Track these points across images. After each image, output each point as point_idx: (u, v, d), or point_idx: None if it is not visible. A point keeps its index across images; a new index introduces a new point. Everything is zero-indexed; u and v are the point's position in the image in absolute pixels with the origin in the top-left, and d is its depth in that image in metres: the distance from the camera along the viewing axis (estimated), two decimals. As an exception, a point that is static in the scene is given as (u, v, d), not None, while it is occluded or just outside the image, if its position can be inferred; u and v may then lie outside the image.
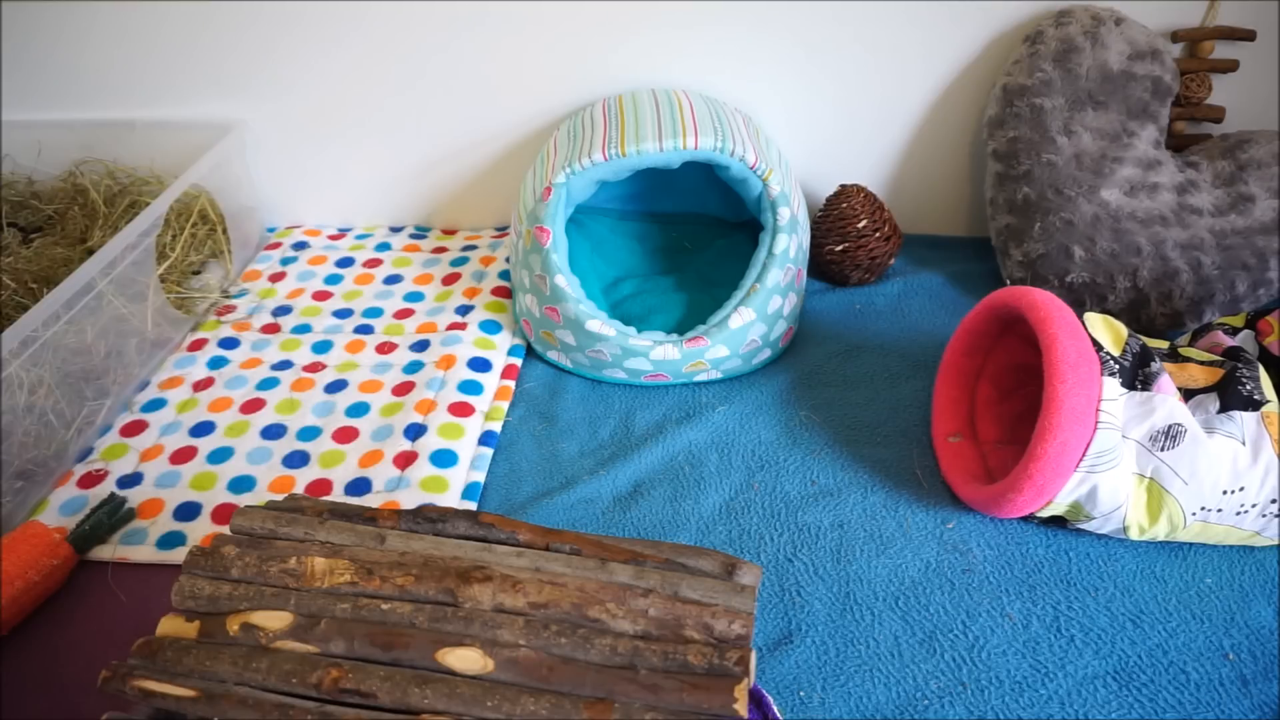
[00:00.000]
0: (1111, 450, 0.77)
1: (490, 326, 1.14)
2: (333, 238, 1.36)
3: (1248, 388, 0.79)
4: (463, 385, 1.04)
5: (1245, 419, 0.78)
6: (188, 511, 0.91)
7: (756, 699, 0.66)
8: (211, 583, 0.65)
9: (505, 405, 1.04)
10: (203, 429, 1.01)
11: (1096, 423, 0.77)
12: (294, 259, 1.31)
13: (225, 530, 0.88)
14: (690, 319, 1.09)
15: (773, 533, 0.88)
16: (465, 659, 0.59)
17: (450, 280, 1.24)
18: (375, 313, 1.19)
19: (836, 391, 1.04)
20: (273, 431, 1.00)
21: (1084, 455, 0.76)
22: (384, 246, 1.33)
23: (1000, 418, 0.95)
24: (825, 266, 1.20)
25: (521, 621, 0.61)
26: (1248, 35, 1.11)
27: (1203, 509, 0.78)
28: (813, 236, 1.18)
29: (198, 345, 1.13)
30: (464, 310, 1.17)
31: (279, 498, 0.83)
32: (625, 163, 1.00)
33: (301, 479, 0.94)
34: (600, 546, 0.67)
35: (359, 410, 1.02)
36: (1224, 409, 0.79)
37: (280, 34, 1.21)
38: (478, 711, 0.57)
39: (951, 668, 0.75)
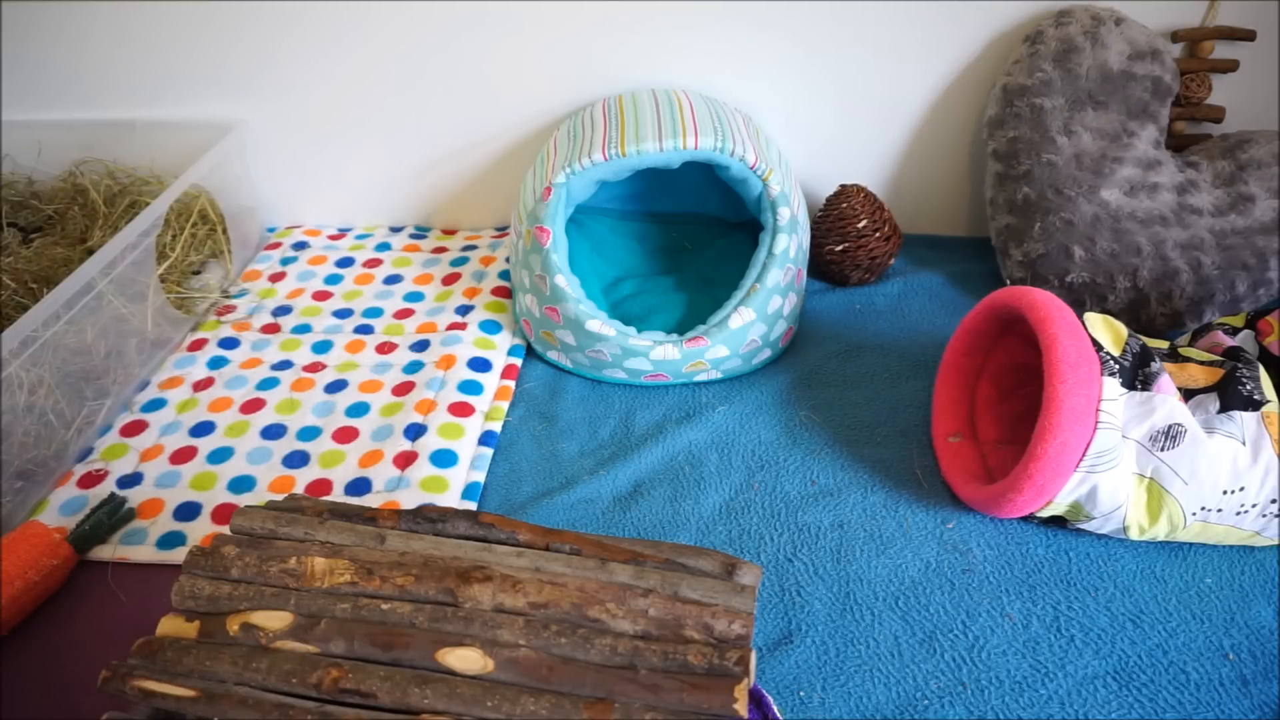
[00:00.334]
0: (1111, 450, 0.77)
1: (490, 326, 1.14)
2: (333, 238, 1.36)
3: (1248, 388, 0.79)
4: (463, 385, 1.04)
5: (1245, 419, 0.78)
6: (188, 511, 0.91)
7: (756, 699, 0.66)
8: (211, 583, 0.65)
9: (505, 405, 1.04)
10: (203, 429, 1.01)
11: (1096, 423, 0.77)
12: (294, 259, 1.31)
13: (225, 530, 0.88)
14: (690, 319, 1.09)
15: (773, 533, 0.88)
16: (465, 659, 0.59)
17: (450, 280, 1.24)
18: (375, 313, 1.19)
19: (836, 391, 1.04)
20: (273, 431, 1.00)
21: (1084, 455, 0.76)
22: (384, 246, 1.33)
23: (1000, 418, 0.95)
24: (825, 266, 1.20)
25: (521, 621, 0.61)
26: (1248, 35, 1.11)
27: (1203, 509, 0.78)
28: (813, 236, 1.18)
29: (198, 345, 1.13)
30: (464, 310, 1.17)
31: (279, 498, 0.83)
32: (625, 163, 1.00)
33: (301, 479, 0.94)
34: (600, 546, 0.67)
35: (359, 410, 1.02)
36: (1224, 409, 0.79)
37: (280, 34, 1.21)
38: (478, 711, 0.57)
39: (951, 668, 0.75)
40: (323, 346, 1.13)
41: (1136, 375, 0.80)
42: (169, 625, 0.64)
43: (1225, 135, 1.15)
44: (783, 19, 1.16)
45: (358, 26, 1.20)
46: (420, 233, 1.37)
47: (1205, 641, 0.76)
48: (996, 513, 0.84)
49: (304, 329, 1.16)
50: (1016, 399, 0.96)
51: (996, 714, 0.72)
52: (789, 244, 1.02)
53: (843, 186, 1.20)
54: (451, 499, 0.91)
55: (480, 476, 0.94)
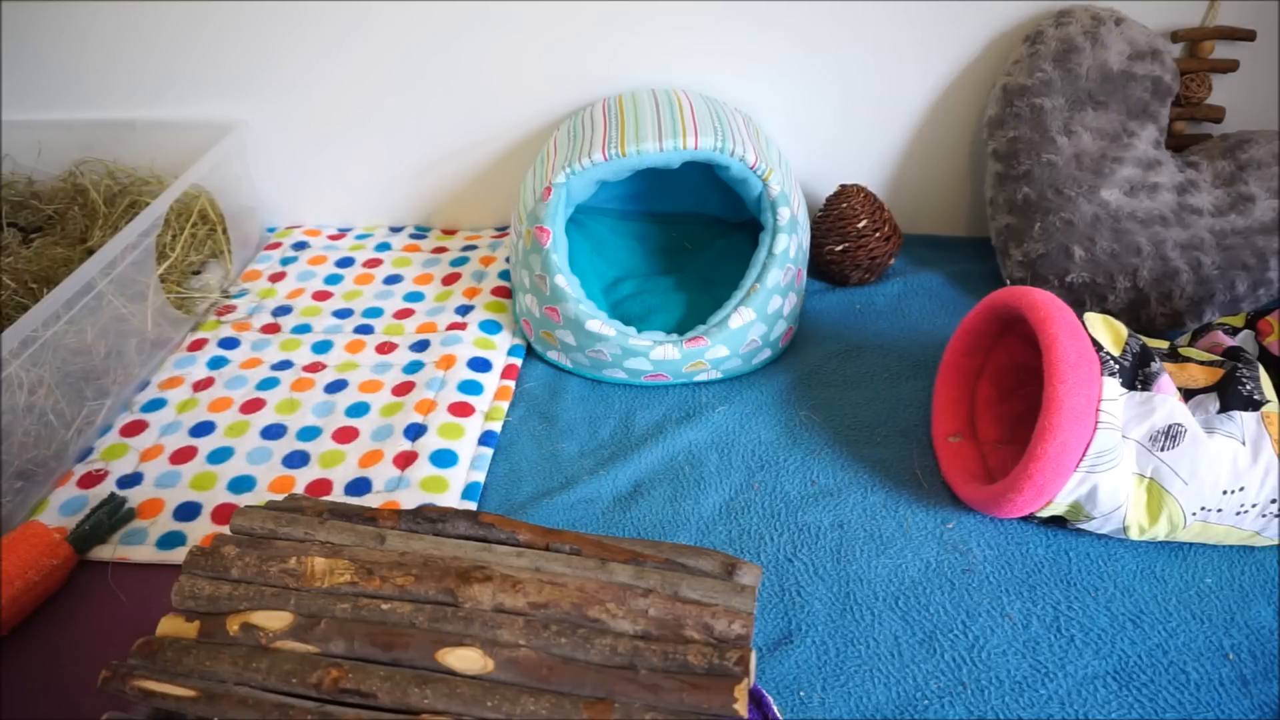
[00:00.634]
0: (1111, 450, 0.77)
1: (490, 326, 1.14)
2: (333, 238, 1.36)
3: (1248, 388, 0.79)
4: (463, 385, 1.04)
5: (1245, 419, 0.78)
6: (188, 511, 0.91)
7: (756, 699, 0.66)
8: (211, 583, 0.65)
9: (505, 405, 1.04)
10: (203, 429, 1.01)
11: (1096, 423, 0.77)
12: (294, 259, 1.31)
13: (225, 530, 0.88)
14: (690, 319, 1.09)
15: (773, 533, 0.88)
16: (465, 659, 0.59)
17: (450, 280, 1.24)
18: (375, 313, 1.19)
19: (836, 391, 1.04)
20: (273, 431, 1.00)
21: (1084, 455, 0.76)
22: (384, 246, 1.33)
23: (1000, 418, 0.95)
24: (825, 266, 1.20)
25: (521, 621, 0.61)
26: (1248, 35, 1.11)
27: (1203, 509, 0.78)
28: (813, 236, 1.18)
29: (198, 345, 1.13)
30: (464, 310, 1.17)
31: (279, 498, 0.83)
32: (625, 163, 1.00)
33: (301, 479, 0.94)
34: (600, 546, 0.67)
35: (359, 410, 1.02)
36: (1224, 409, 0.79)
37: (280, 34, 1.21)
38: (478, 711, 0.57)
39: (951, 668, 0.75)
40: (323, 346, 1.13)
41: (1136, 375, 0.80)
42: (169, 625, 0.64)
43: (1225, 135, 1.15)
44: (783, 19, 1.16)
45: (358, 26, 1.20)
46: (420, 233, 1.37)
47: (1205, 641, 0.76)
48: (996, 513, 0.84)
49: (304, 329, 1.16)
50: (1016, 399, 0.96)
51: (996, 714, 0.72)
52: (789, 244, 1.02)
53: (843, 186, 1.20)
54: (451, 499, 0.91)
55: (480, 476, 0.94)
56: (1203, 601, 0.80)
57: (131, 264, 1.03)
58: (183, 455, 0.97)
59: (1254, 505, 0.78)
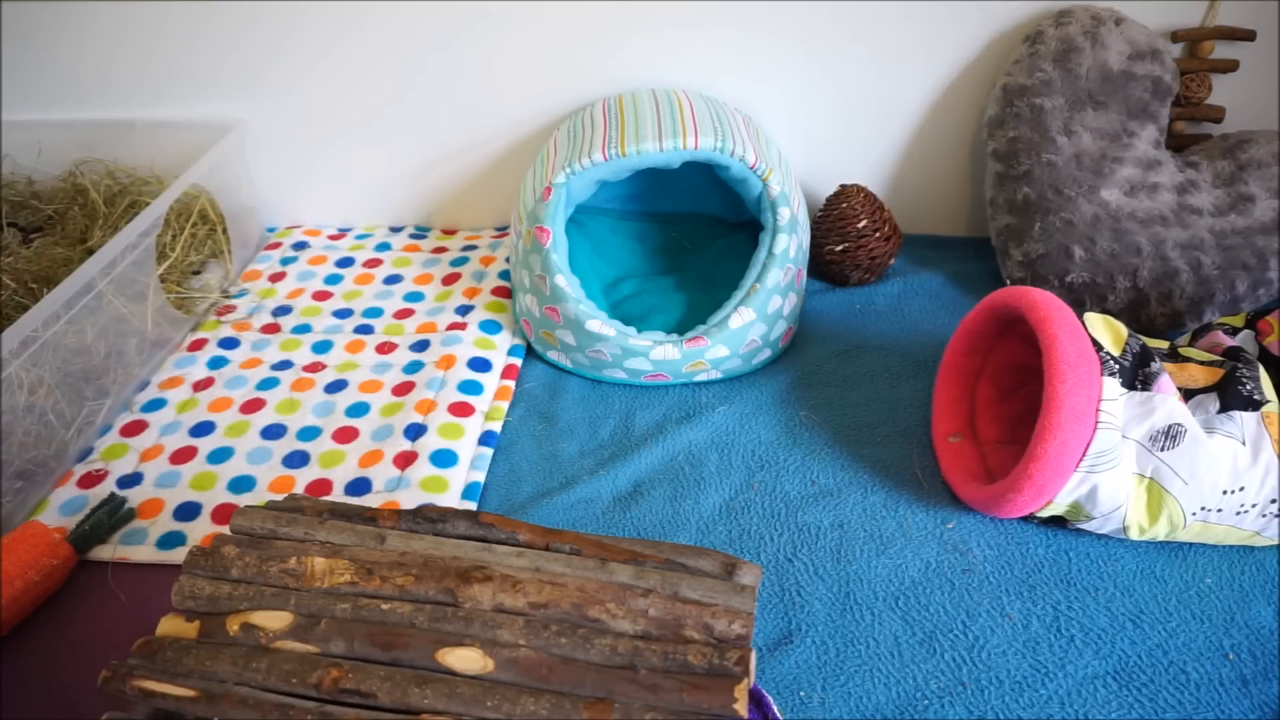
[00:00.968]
0: (1111, 450, 0.77)
1: (490, 326, 1.14)
2: (333, 238, 1.36)
3: (1248, 388, 0.79)
4: (463, 385, 1.04)
5: (1245, 419, 0.78)
6: (188, 511, 0.91)
7: (756, 699, 0.66)
8: (211, 583, 0.65)
9: (505, 405, 1.04)
10: (203, 429, 1.01)
11: (1096, 423, 0.77)
12: (294, 259, 1.31)
13: (225, 530, 0.88)
14: (690, 319, 1.09)
15: (773, 533, 0.88)
16: (465, 659, 0.59)
17: (450, 280, 1.24)
18: (375, 313, 1.19)
19: (836, 391, 1.04)
20: (273, 431, 1.00)
21: (1084, 455, 0.76)
22: (384, 246, 1.33)
23: (1000, 418, 0.95)
24: (825, 266, 1.20)
25: (521, 621, 0.61)
26: (1248, 35, 1.11)
27: (1203, 509, 0.78)
28: (813, 236, 1.18)
29: (198, 345, 1.13)
30: (464, 310, 1.17)
31: (279, 498, 0.83)
32: (625, 163, 1.00)
33: (301, 479, 0.94)
34: (600, 546, 0.67)
35: (359, 410, 1.02)
36: (1224, 409, 0.79)
37: (280, 34, 1.21)
38: (478, 711, 0.57)
39: (951, 668, 0.75)
40: (323, 346, 1.13)
41: (1136, 375, 0.80)
42: (169, 625, 0.64)
43: (1225, 135, 1.15)
44: (783, 19, 1.16)
45: (358, 27, 1.20)
46: (420, 233, 1.37)
47: (1205, 641, 0.76)
48: (996, 513, 0.84)
49: (304, 329, 1.16)
50: (1016, 399, 0.96)
51: (996, 714, 0.72)
52: (789, 244, 1.02)
53: (843, 186, 1.20)
54: (451, 499, 0.91)
55: (480, 476, 0.94)
56: (1203, 601, 0.80)
57: (131, 264, 1.03)
58: (183, 455, 0.97)
59: (1254, 505, 0.78)
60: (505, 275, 1.23)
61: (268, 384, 1.07)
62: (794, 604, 0.81)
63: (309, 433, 1.00)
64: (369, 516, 0.70)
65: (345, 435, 0.99)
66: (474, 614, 0.62)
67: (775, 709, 0.66)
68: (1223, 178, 1.10)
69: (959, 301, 1.18)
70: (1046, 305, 0.82)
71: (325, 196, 1.37)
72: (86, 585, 0.85)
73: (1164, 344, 0.88)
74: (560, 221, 1.03)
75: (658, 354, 1.01)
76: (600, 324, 1.01)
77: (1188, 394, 0.81)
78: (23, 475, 0.91)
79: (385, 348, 1.12)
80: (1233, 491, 0.77)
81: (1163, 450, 0.77)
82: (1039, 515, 0.83)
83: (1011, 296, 0.86)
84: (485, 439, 0.99)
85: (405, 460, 0.95)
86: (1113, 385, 0.79)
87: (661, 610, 0.61)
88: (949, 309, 1.16)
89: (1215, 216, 1.07)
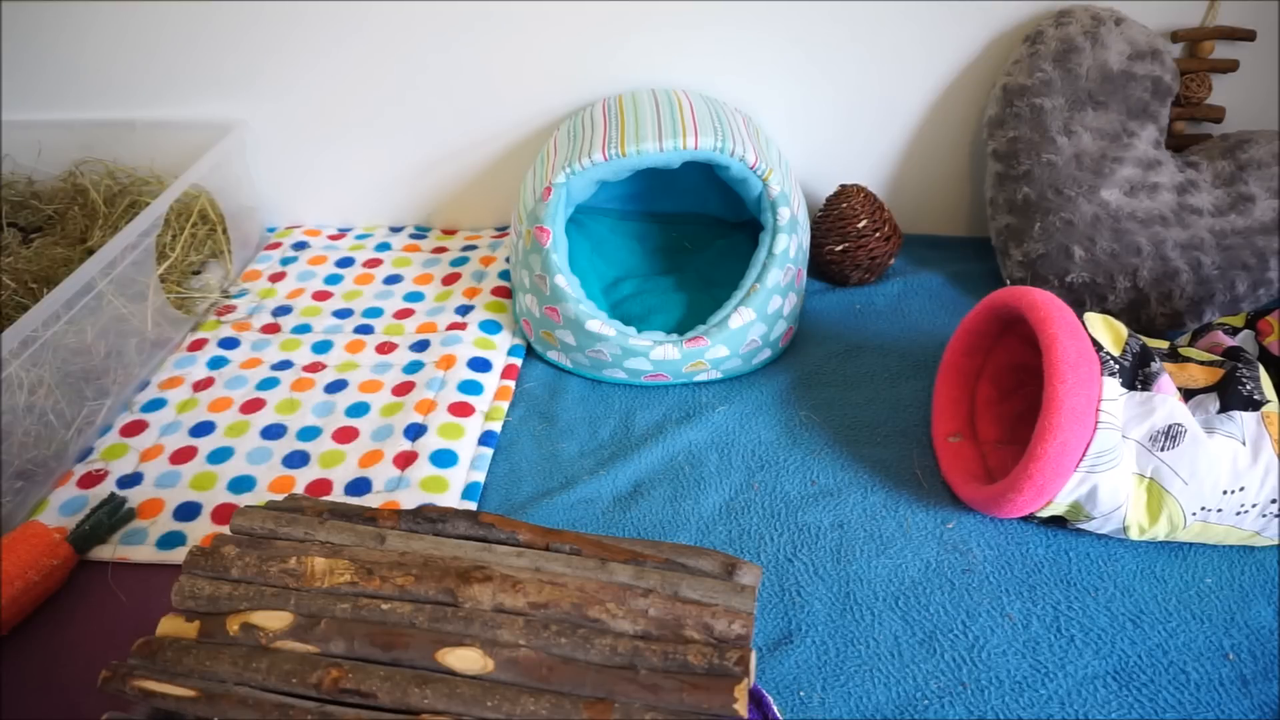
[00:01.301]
0: (1111, 450, 0.77)
1: (490, 326, 1.14)
2: (333, 238, 1.36)
3: (1248, 388, 0.79)
4: (463, 385, 1.04)
5: (1245, 419, 0.78)
6: (188, 511, 0.91)
7: (756, 699, 0.66)
8: (211, 583, 0.65)
9: (505, 405, 1.04)
10: (203, 429, 1.01)
11: (1096, 423, 0.77)
12: (294, 259, 1.31)
13: (225, 530, 0.88)
14: (690, 319, 1.09)
15: (773, 533, 0.88)
16: (465, 659, 0.59)
17: (450, 280, 1.24)
18: (375, 313, 1.19)
19: (836, 391, 1.04)
20: (273, 431, 1.00)
21: (1084, 455, 0.76)
22: (384, 246, 1.33)
23: (1000, 418, 0.95)
24: (825, 266, 1.20)
25: (521, 621, 0.61)
26: (1248, 35, 1.11)
27: (1203, 509, 0.78)
28: (813, 236, 1.18)
29: (198, 345, 1.13)
30: (464, 310, 1.17)
31: (279, 498, 0.83)
32: (625, 163, 1.00)
33: (301, 479, 0.94)
34: (600, 546, 0.67)
35: (359, 410, 1.02)
36: (1224, 409, 0.79)
37: (280, 34, 1.21)
38: (478, 711, 0.57)
39: (951, 668, 0.75)
40: (323, 346, 1.13)
41: (1136, 375, 0.80)
42: (169, 625, 0.64)
43: (1225, 135, 1.15)
44: (783, 19, 1.16)
45: (358, 27, 1.20)
46: (420, 233, 1.37)
47: (1205, 641, 0.76)
48: (996, 513, 0.84)
49: (304, 329, 1.16)
50: (1016, 399, 0.96)
51: (996, 714, 0.72)
52: (789, 244, 1.02)
53: (843, 186, 1.20)
54: (451, 499, 0.91)
55: (480, 476, 0.94)
56: (1203, 601, 0.80)
57: (131, 264, 1.03)
58: (183, 455, 0.97)
59: (1254, 505, 0.78)
60: (505, 275, 1.23)
61: (268, 384, 1.07)
62: (794, 604, 0.81)
63: (309, 433, 1.00)
64: (369, 516, 0.70)
65: (345, 435, 0.99)
66: (474, 614, 0.62)
67: (775, 709, 0.66)
68: (1223, 178, 1.10)
69: (959, 301, 1.18)
70: (1046, 305, 0.82)
71: (325, 196, 1.37)
72: (86, 585, 0.85)
73: (1164, 344, 0.88)
74: (560, 221, 1.03)
75: (658, 354, 1.01)
76: (600, 324, 1.01)
77: (1188, 394, 0.81)
78: (23, 475, 0.91)
79: (385, 348, 1.12)
80: (1233, 491, 0.77)
81: (1163, 450, 0.77)
82: (1039, 515, 0.83)
83: (1011, 296, 0.86)
84: (485, 439, 0.99)
85: (405, 460, 0.95)
86: (1113, 385, 0.79)
87: (661, 610, 0.61)
88: (949, 309, 1.16)
89: (1215, 216, 1.07)
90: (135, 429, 1.01)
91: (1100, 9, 1.11)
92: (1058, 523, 0.86)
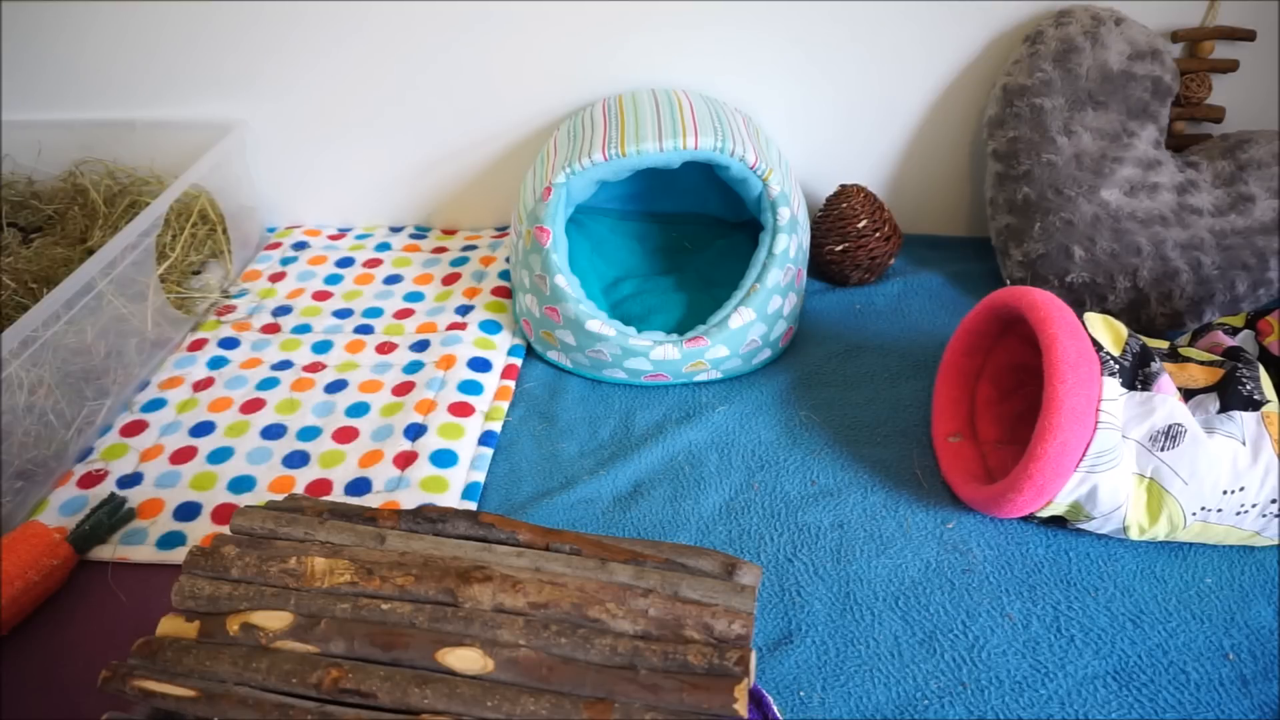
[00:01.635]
0: (1111, 450, 0.77)
1: (490, 326, 1.14)
2: (333, 238, 1.36)
3: (1248, 388, 0.79)
4: (463, 385, 1.04)
5: (1245, 419, 0.78)
6: (188, 511, 0.91)
7: (756, 699, 0.66)
8: (211, 583, 0.65)
9: (505, 405, 1.04)
10: (203, 429, 1.01)
11: (1096, 423, 0.77)
12: (294, 259, 1.31)
13: (225, 530, 0.88)
14: (690, 319, 1.09)
15: (773, 533, 0.88)
16: (465, 659, 0.59)
17: (450, 280, 1.24)
18: (375, 313, 1.19)
19: (836, 391, 1.04)
20: (273, 431, 1.00)
21: (1084, 455, 0.76)
22: (384, 246, 1.33)
23: (1000, 418, 0.95)
24: (825, 266, 1.20)
25: (521, 621, 0.61)
26: (1248, 35, 1.11)
27: (1203, 509, 0.78)
28: (813, 236, 1.18)
29: (198, 345, 1.13)
30: (464, 310, 1.17)
31: (279, 498, 0.83)
32: (625, 163, 1.00)
33: (301, 479, 0.94)
34: (600, 546, 0.67)
35: (359, 410, 1.02)
36: (1224, 409, 0.79)
37: (280, 34, 1.21)
38: (478, 711, 0.57)
39: (951, 668, 0.75)
40: (323, 346, 1.13)
41: (1136, 375, 0.80)
42: (169, 625, 0.64)
43: (1225, 135, 1.15)
44: (783, 19, 1.16)
45: (358, 27, 1.20)
46: (420, 233, 1.37)
47: (1205, 641, 0.76)
48: (996, 513, 0.84)
49: (304, 329, 1.16)
50: (1016, 399, 0.96)
51: (996, 714, 0.72)
52: (789, 244, 1.02)
53: (843, 186, 1.20)
54: (451, 499, 0.91)
55: (480, 476, 0.94)
56: (1203, 601, 0.80)
57: (131, 264, 1.03)
58: (183, 455, 0.97)
59: (1254, 505, 0.78)
60: (505, 275, 1.23)
61: (268, 384, 1.07)
62: (794, 604, 0.81)
63: (309, 433, 1.00)
64: (369, 516, 0.70)
65: (345, 435, 0.99)
66: (474, 614, 0.62)
67: (775, 709, 0.66)
68: (1223, 178, 1.10)
69: (959, 301, 1.18)
70: (1046, 305, 0.82)
71: (325, 196, 1.37)
72: (86, 585, 0.85)
73: (1164, 344, 0.88)
74: (560, 221, 1.03)
75: (658, 354, 1.01)
76: (600, 324, 1.01)
77: (1188, 394, 0.81)
78: (23, 475, 0.91)
79: (385, 348, 1.12)
80: (1233, 491, 0.77)
81: (1163, 450, 0.77)
82: (1039, 515, 0.83)
83: (1011, 296, 0.86)
84: (485, 439, 0.99)
85: (405, 460, 0.95)
86: (1113, 385, 0.79)
87: (661, 610, 0.61)
88: (949, 309, 1.16)
89: (1215, 216, 1.07)
90: (135, 429, 1.01)
91: (1100, 9, 1.11)
92: (1058, 523, 0.86)
